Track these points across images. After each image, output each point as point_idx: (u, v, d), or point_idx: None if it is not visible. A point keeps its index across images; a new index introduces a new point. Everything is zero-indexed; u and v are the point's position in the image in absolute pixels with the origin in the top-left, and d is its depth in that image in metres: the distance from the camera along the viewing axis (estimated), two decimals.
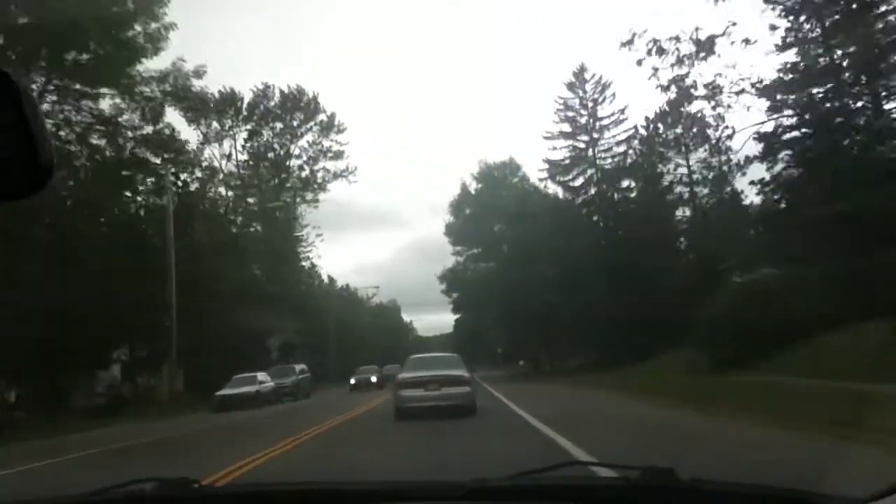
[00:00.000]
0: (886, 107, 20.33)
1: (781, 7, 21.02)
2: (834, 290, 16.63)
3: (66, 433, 16.44)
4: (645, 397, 14.10)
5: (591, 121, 38.08)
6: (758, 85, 19.88)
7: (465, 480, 1.70)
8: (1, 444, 14.51)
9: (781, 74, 21.89)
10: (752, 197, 35.01)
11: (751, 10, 39.34)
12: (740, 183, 35.62)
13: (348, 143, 49.01)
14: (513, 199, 44.04)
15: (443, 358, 15.53)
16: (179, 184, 33.65)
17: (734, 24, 17.91)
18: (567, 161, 38.68)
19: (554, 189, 40.45)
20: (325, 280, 58.21)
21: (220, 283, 30.31)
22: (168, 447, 12.09)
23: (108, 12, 21.58)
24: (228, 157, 45.88)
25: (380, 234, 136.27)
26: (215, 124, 45.29)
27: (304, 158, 48.64)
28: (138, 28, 22.69)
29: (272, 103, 47.43)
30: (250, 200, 44.46)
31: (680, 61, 17.17)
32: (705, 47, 16.66)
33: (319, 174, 48.79)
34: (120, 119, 24.40)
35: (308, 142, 48.50)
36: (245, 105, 46.38)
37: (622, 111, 37.78)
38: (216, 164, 45.02)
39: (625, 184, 38.18)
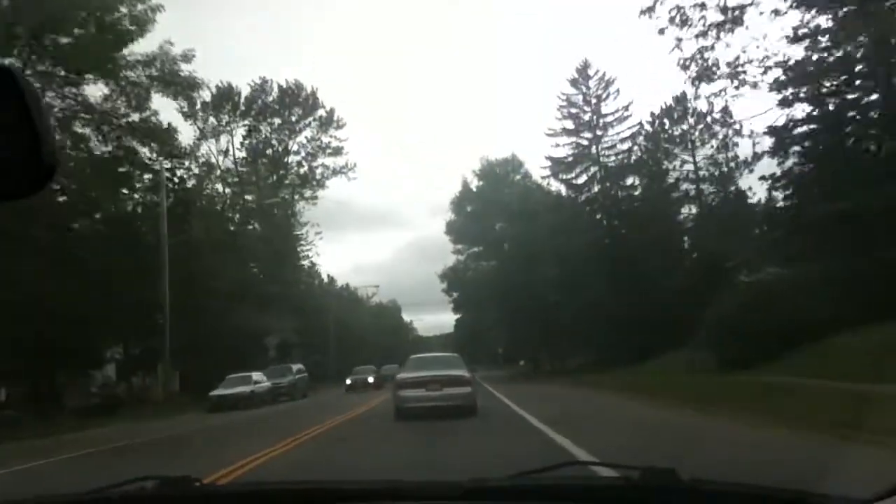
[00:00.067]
0: None
1: None
2: (842, 289, 16.55)
3: (57, 433, 16.40)
4: (649, 398, 14.08)
5: (595, 117, 38.05)
6: (786, 64, 19.44)
7: (464, 480, 1.73)
8: None
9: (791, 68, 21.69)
10: (760, 193, 35.04)
11: None
12: (748, 180, 35.63)
13: (347, 139, 48.97)
14: (515, 197, 44.03)
15: (443, 358, 15.58)
16: (176, 180, 33.72)
17: None
18: (570, 158, 38.67)
19: (556, 187, 40.47)
20: (325, 279, 58.27)
21: (217, 282, 30.31)
22: (148, 450, 11.96)
23: None
24: (226, 153, 45.82)
25: (380, 234, 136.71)
26: (212, 120, 45.24)
27: (303, 155, 48.54)
28: (124, 10, 22.17)
29: (270, 98, 47.28)
30: (248, 198, 44.39)
31: (704, 33, 16.75)
32: (733, 16, 16.18)
33: (318, 171, 48.70)
34: (105, 106, 23.82)
35: (307, 137, 48.39)
36: (243, 100, 46.30)
37: (626, 108, 37.79)
38: (213, 160, 45.07)
39: (629, 181, 38.19)
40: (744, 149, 36.04)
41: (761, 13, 16.75)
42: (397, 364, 44.56)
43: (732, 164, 35.87)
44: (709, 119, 23.20)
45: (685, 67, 17.59)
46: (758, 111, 31.73)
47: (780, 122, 22.73)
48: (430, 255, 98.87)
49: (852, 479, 3.93)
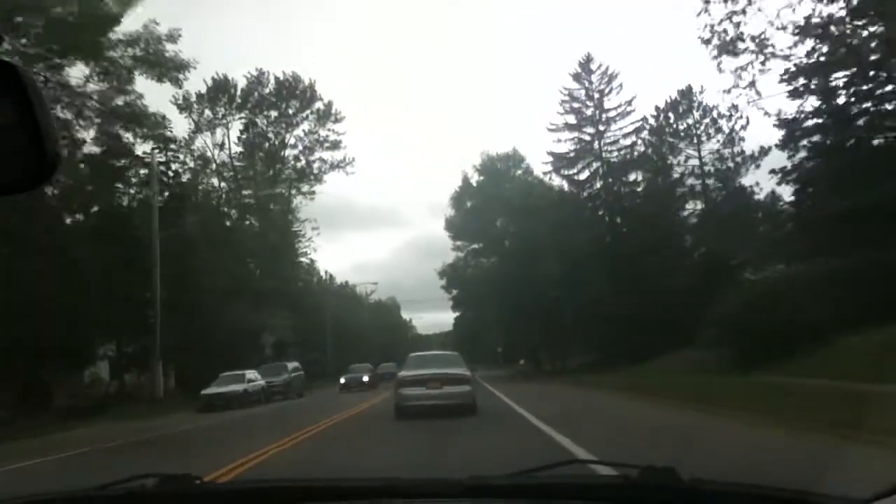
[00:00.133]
0: None
1: None
2: (848, 288, 16.42)
3: (43, 434, 16.27)
4: (652, 398, 13.99)
5: (597, 112, 38.06)
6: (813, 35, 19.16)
7: (464, 478, 1.76)
8: None
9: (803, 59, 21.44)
10: (767, 188, 34.95)
11: None
12: (754, 176, 35.49)
13: (345, 132, 48.74)
14: (516, 192, 43.98)
15: (443, 356, 15.75)
16: (170, 174, 33.71)
17: None
18: (572, 154, 38.67)
19: (558, 182, 40.49)
20: (323, 276, 58.25)
21: (212, 278, 30.27)
22: (119, 453, 11.56)
23: None
24: (221, 146, 45.69)
25: (379, 233, 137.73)
26: (207, 112, 45.13)
27: (300, 148, 48.30)
28: None
29: (267, 90, 47.15)
30: (245, 192, 44.32)
31: None
32: None
33: (315, 165, 48.47)
34: (86, 89, 22.97)
35: (304, 131, 48.14)
36: (239, 92, 46.12)
37: (629, 103, 37.82)
38: (209, 154, 44.98)
39: (631, 177, 38.17)
40: (750, 144, 36.05)
41: None
42: (395, 362, 44.72)
43: (739, 160, 35.76)
44: (732, 96, 22.47)
45: (707, 42, 17.24)
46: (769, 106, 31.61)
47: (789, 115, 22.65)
48: (430, 254, 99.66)
49: (853, 479, 3.97)
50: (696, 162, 36.35)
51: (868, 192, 18.26)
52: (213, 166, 45.19)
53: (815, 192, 24.12)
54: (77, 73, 22.53)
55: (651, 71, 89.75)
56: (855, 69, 20.99)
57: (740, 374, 15.84)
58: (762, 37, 17.19)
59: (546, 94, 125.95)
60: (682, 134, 36.74)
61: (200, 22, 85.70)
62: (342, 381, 33.50)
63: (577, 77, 38.33)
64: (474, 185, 50.14)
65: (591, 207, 38.24)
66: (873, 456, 5.34)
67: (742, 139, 35.68)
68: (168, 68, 24.47)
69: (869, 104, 21.74)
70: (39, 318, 19.95)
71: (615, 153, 38.02)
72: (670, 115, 37.02)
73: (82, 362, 26.48)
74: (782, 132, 24.77)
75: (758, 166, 35.04)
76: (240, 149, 46.53)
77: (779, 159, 26.84)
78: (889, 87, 20.99)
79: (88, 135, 24.27)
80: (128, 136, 25.56)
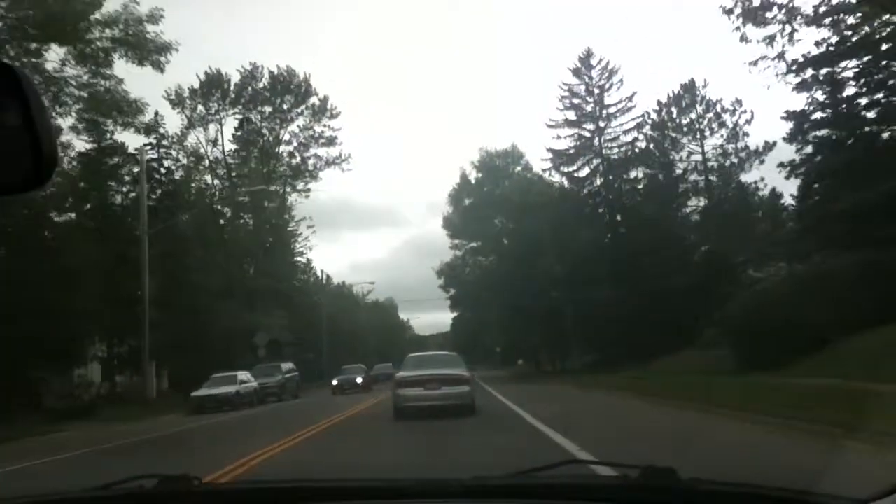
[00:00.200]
0: None
1: None
2: (860, 287, 16.18)
3: (19, 437, 16.04)
4: (662, 400, 13.68)
5: (598, 108, 38.05)
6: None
7: (465, 478, 1.79)
8: None
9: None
10: (772, 184, 34.90)
11: None
12: (759, 172, 35.32)
13: (341, 128, 48.66)
14: (515, 189, 43.95)
15: (442, 357, 15.86)
16: (163, 171, 33.73)
17: None
18: (572, 150, 38.66)
19: (558, 180, 40.45)
20: (321, 276, 58.20)
21: (206, 277, 30.26)
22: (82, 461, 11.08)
23: None
24: (214, 142, 45.56)
25: (377, 233, 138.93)
26: (200, 108, 44.99)
27: (295, 144, 48.09)
28: None
29: (261, 85, 46.96)
30: (240, 190, 44.21)
31: None
32: None
33: (311, 161, 48.28)
34: (64, 73, 22.08)
35: (299, 126, 47.87)
36: (232, 87, 45.96)
37: (630, 98, 37.78)
38: (202, 150, 44.87)
39: (632, 174, 38.15)
40: (754, 139, 35.98)
41: None
42: (391, 363, 44.70)
43: (743, 155, 35.49)
44: (759, 68, 21.41)
45: (728, 12, 16.85)
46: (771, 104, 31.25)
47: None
48: (429, 254, 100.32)
49: (853, 479, 4.01)
50: (698, 157, 36.26)
51: (876, 188, 18.10)
52: (207, 163, 45.14)
53: (822, 187, 23.90)
54: (52, 56, 21.86)
55: (652, 66, 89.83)
56: (867, 58, 20.75)
57: (743, 375, 15.87)
58: (791, 4, 16.74)
59: (546, 89, 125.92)
60: (685, 129, 36.52)
61: (194, 15, 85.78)
62: (334, 382, 32.90)
63: (576, 72, 38.34)
64: (473, 182, 50.15)
65: (591, 205, 38.22)
66: (874, 456, 5.39)
67: (746, 134, 35.58)
68: (149, 51, 23.51)
69: (881, 95, 21.43)
70: (27, 316, 19.92)
71: (616, 150, 38.04)
72: (673, 109, 36.82)
73: (71, 362, 26.36)
74: (789, 125, 24.49)
75: (762, 162, 34.97)
76: (234, 146, 46.44)
77: (784, 155, 26.75)
78: None
79: (66, 122, 23.77)
80: (107, 124, 24.91)
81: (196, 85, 44.58)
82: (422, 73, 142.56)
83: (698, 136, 36.23)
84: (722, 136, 35.86)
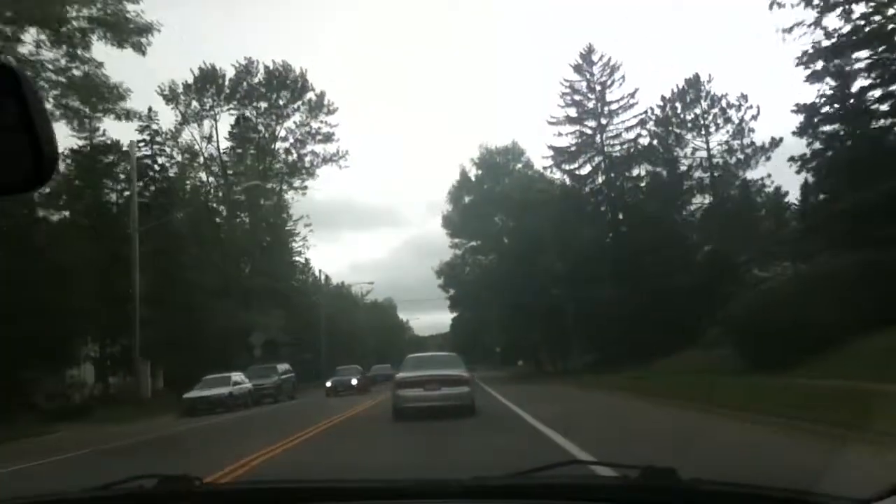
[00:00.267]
0: None
1: None
2: (867, 286, 16.04)
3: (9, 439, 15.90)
4: (671, 402, 13.38)
5: (599, 105, 38.01)
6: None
7: (465, 478, 1.81)
8: None
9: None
10: (778, 181, 34.79)
11: None
12: (765, 168, 35.14)
13: (338, 124, 48.55)
14: (515, 187, 43.94)
15: (442, 357, 16.00)
16: (156, 167, 33.74)
17: None
18: (573, 148, 38.61)
19: (560, 178, 40.41)
20: (319, 276, 58.12)
21: (201, 275, 30.25)
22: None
23: None
24: (209, 139, 45.56)
25: (377, 233, 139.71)
26: (195, 104, 44.97)
27: (291, 141, 48.13)
28: None
29: (256, 80, 46.88)
30: (235, 189, 44.19)
31: None
32: None
33: (307, 158, 48.33)
34: (41, 56, 21.38)
35: (295, 123, 47.91)
36: (227, 82, 45.88)
37: (632, 95, 37.71)
38: (197, 147, 44.86)
39: (635, 172, 38.13)
40: (760, 135, 35.75)
41: None
42: (389, 364, 44.69)
43: (749, 151, 35.10)
44: (793, 36, 20.77)
45: None
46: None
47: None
48: (428, 254, 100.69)
49: (854, 479, 4.05)
50: (703, 154, 35.95)
51: (879, 186, 18.06)
52: (201, 160, 45.14)
53: (829, 184, 23.74)
54: (28, 38, 21.23)
55: (655, 62, 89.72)
56: (882, 48, 20.58)
57: (747, 376, 15.88)
58: None
59: (547, 86, 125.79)
60: (690, 125, 36.18)
61: (188, 10, 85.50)
62: (328, 384, 32.17)
63: (578, 69, 38.29)
64: (473, 179, 50.16)
65: (592, 203, 38.22)
66: (875, 456, 5.43)
67: (752, 130, 35.28)
68: (129, 31, 22.56)
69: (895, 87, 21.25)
70: (19, 316, 19.90)
71: (618, 147, 38.01)
72: (677, 104, 36.52)
73: (64, 362, 26.30)
74: (797, 121, 24.21)
75: (768, 158, 34.68)
76: (229, 143, 46.40)
77: (791, 151, 26.60)
78: None
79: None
80: (85, 109, 24.17)
81: (190, 80, 44.66)
82: (421, 71, 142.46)
83: (703, 133, 35.93)
84: (727, 132, 35.58)
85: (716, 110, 35.81)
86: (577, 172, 38.83)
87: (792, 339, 15.89)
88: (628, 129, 37.81)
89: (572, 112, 38.50)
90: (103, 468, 9.18)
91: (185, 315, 28.27)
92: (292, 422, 15.47)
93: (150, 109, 34.03)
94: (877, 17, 20.42)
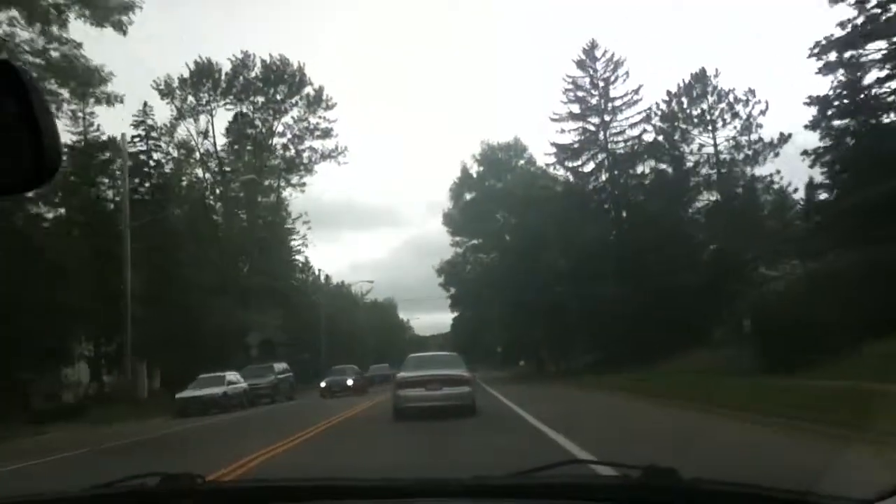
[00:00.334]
0: None
1: None
2: (885, 284, 16.09)
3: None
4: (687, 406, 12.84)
5: (603, 101, 37.96)
6: None
7: (465, 477, 1.84)
8: None
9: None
10: (788, 177, 34.61)
11: None
12: (773, 165, 34.95)
13: (337, 119, 48.48)
14: (518, 183, 43.91)
15: (443, 357, 16.09)
16: (152, 163, 33.79)
17: None
18: (576, 145, 38.59)
19: (563, 175, 40.41)
20: (318, 274, 58.19)
21: (198, 273, 30.27)
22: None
23: None
24: (205, 134, 45.51)
25: (378, 233, 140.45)
26: (190, 98, 44.92)
27: (289, 136, 48.05)
28: None
29: (253, 74, 46.81)
30: (233, 186, 44.16)
31: None
32: None
33: (305, 154, 48.25)
34: (16, 39, 20.66)
35: (293, 118, 47.82)
36: (223, 77, 45.81)
37: (636, 91, 37.66)
38: (193, 143, 44.84)
39: (639, 170, 38.09)
40: (768, 130, 35.54)
41: None
42: (388, 363, 44.69)
43: (758, 146, 34.79)
44: (838, 7, 20.47)
45: None
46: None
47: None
48: (429, 254, 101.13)
49: (856, 479, 4.09)
50: (710, 150, 35.77)
51: (889, 181, 17.95)
52: (197, 156, 45.13)
53: (838, 181, 23.58)
54: (2, 17, 20.50)
55: (660, 58, 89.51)
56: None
57: (756, 377, 15.89)
58: None
59: (549, 83, 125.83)
60: (696, 120, 35.96)
61: (194, 14, 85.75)
62: (322, 384, 31.29)
63: (581, 64, 38.25)
64: (474, 176, 50.12)
65: (596, 201, 38.20)
66: (877, 456, 5.47)
67: (760, 126, 34.97)
68: (109, 9, 21.71)
69: None
70: (13, 314, 19.93)
71: (622, 144, 38.01)
72: (683, 99, 36.29)
73: (58, 361, 26.31)
74: (809, 115, 24.09)
75: (777, 154, 34.43)
76: (226, 138, 46.33)
77: (800, 146, 26.41)
78: None
79: None
80: (63, 92, 23.31)
81: (186, 74, 44.62)
82: (421, 70, 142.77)
83: (710, 128, 35.70)
84: (735, 127, 35.30)
85: (723, 105, 35.52)
86: (580, 170, 38.84)
87: (800, 340, 15.87)
88: (632, 125, 37.82)
89: (575, 108, 38.53)
90: (93, 469, 9.16)
91: (181, 313, 28.28)
92: (290, 422, 15.49)
93: (145, 104, 34.10)
94: (893, 6, 20.28)
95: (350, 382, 31.34)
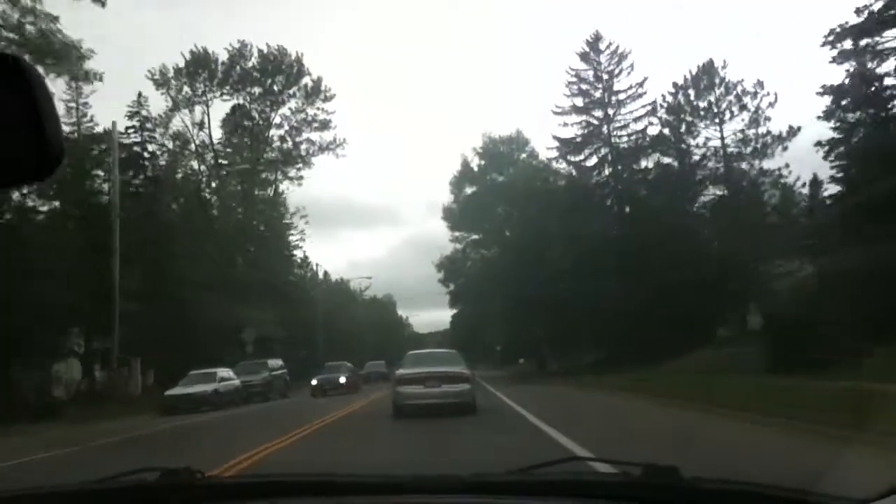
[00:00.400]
0: None
1: None
2: (892, 283, 16.11)
3: None
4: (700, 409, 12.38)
5: (607, 95, 37.87)
6: None
7: (464, 474, 1.87)
8: None
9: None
10: (797, 171, 34.51)
11: None
12: (781, 159, 34.65)
13: (335, 111, 48.37)
14: (519, 177, 43.86)
15: (442, 354, 16.19)
16: (146, 155, 33.78)
17: None
18: (579, 139, 38.51)
19: (565, 169, 40.34)
20: (316, 271, 58.20)
21: (193, 267, 30.25)
22: None
23: None
24: (201, 125, 45.41)
25: (377, 231, 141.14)
26: (186, 89, 44.83)
27: (287, 128, 47.93)
28: None
29: (250, 64, 46.68)
30: (232, 182, 44.09)
31: None
32: None
33: (303, 146, 48.14)
34: None
35: (291, 109, 47.73)
36: (220, 66, 45.67)
37: (641, 84, 37.51)
38: (189, 135, 44.78)
39: (643, 164, 38.04)
40: (776, 123, 35.27)
41: None
42: (384, 361, 44.72)
43: (768, 139, 34.51)
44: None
45: None
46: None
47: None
48: (428, 252, 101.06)
49: (856, 479, 4.12)
50: (717, 143, 35.51)
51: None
52: (193, 147, 45.06)
53: (847, 177, 23.45)
54: None
55: (664, 51, 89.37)
56: None
57: (759, 376, 15.93)
58: None
59: (552, 75, 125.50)
60: (703, 113, 35.70)
61: (193, 13, 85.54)
62: (313, 382, 30.66)
63: (584, 57, 38.15)
64: (475, 169, 50.07)
65: (599, 196, 38.17)
66: (877, 456, 5.52)
67: (768, 118, 34.69)
68: None
69: None
70: (4, 309, 19.92)
71: (625, 138, 37.94)
72: (690, 91, 36.07)
73: (47, 357, 26.17)
74: (822, 106, 24.00)
75: (785, 148, 34.19)
76: (222, 130, 46.22)
77: (810, 139, 26.13)
78: None
79: None
80: (38, 68, 23.56)
81: (181, 64, 44.52)
82: (421, 65, 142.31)
83: (717, 121, 35.46)
84: (743, 120, 35.05)
85: (731, 97, 35.25)
86: (583, 164, 38.77)
87: (807, 340, 15.90)
88: (636, 119, 37.69)
89: (578, 102, 38.43)
90: (82, 467, 9.15)
91: (176, 308, 28.26)
92: (286, 420, 15.46)
93: (139, 95, 34.08)
94: None
95: (343, 380, 30.71)
